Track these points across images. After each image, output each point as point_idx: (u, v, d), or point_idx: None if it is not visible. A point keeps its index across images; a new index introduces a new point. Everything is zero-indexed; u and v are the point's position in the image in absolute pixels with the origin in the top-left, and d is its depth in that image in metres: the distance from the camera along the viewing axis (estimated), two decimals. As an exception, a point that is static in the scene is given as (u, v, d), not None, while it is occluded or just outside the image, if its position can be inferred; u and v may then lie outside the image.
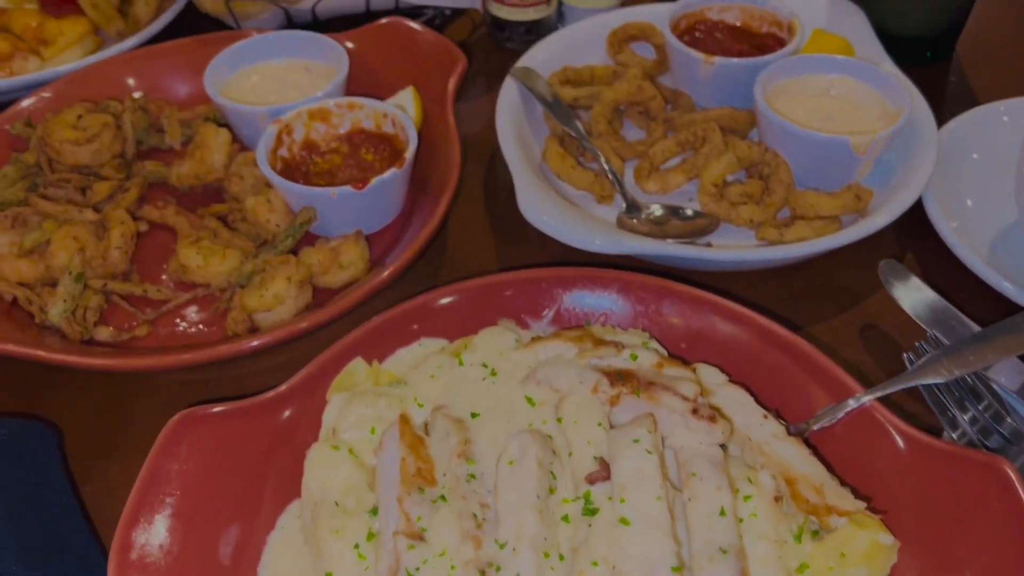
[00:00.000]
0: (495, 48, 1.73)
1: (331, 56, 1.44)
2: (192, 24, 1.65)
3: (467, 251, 1.32)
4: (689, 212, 1.30)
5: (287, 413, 0.95)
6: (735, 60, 1.42)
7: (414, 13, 1.69)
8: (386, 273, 1.14)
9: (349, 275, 1.19)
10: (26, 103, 1.41)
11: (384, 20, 1.51)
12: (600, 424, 0.91)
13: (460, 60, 1.42)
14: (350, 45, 1.49)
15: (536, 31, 1.69)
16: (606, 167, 1.33)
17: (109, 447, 1.06)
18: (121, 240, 1.19)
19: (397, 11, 1.71)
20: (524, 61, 1.50)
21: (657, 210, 1.30)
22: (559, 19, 1.73)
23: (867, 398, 0.93)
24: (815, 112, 1.38)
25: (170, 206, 1.28)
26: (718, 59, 1.42)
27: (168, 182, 1.33)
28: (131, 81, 1.48)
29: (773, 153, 1.32)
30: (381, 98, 1.39)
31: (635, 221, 1.28)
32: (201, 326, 1.18)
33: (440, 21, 1.74)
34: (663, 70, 1.56)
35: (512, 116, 1.40)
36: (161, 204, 1.28)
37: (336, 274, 1.19)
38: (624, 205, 1.31)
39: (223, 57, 1.41)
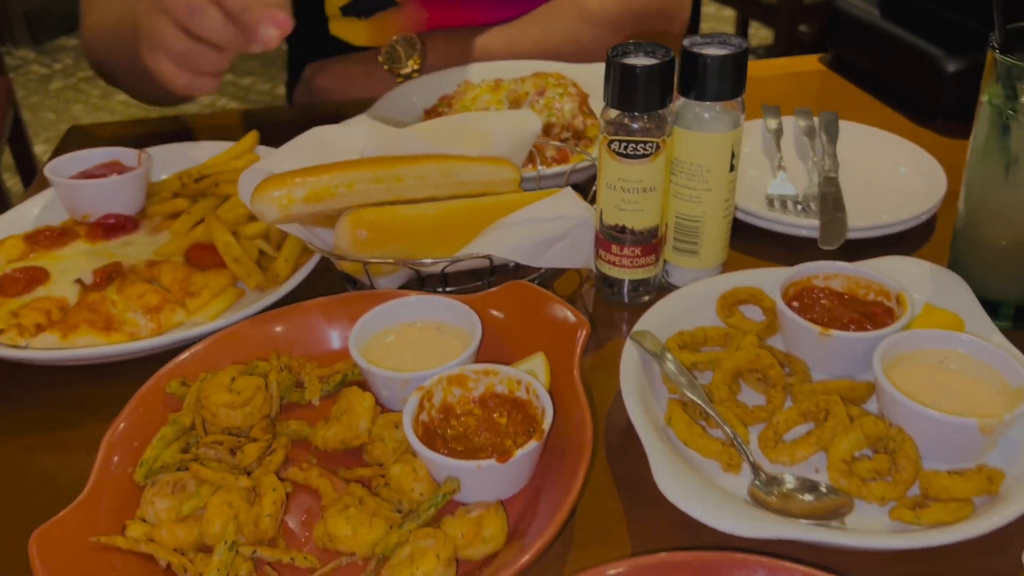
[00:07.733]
0: (602, 302, 1.82)
1: (463, 319, 1.53)
2: (326, 282, 1.77)
3: (596, 514, 1.34)
4: (823, 488, 1.31)
5: None
6: (851, 334, 1.48)
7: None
8: (528, 556, 1.16)
9: (490, 548, 1.21)
10: (181, 358, 1.49)
11: (510, 283, 1.60)
12: None
13: (584, 327, 1.50)
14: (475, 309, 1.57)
15: (644, 286, 1.78)
16: (732, 436, 1.37)
17: None
18: (273, 507, 1.23)
19: (516, 269, 1.81)
20: (641, 325, 1.57)
21: (790, 482, 1.32)
22: (664, 274, 1.83)
23: None
24: (932, 385, 1.42)
25: (314, 468, 1.33)
26: (835, 333, 1.48)
27: (309, 441, 1.39)
28: (278, 329, 1.57)
29: (898, 429, 1.35)
30: (505, 360, 1.46)
31: (772, 497, 1.30)
32: (344, 596, 1.19)
33: (550, 273, 1.84)
34: (772, 332, 1.63)
35: (636, 382, 1.46)
36: (305, 466, 1.33)
37: (478, 547, 1.21)
38: (752, 474, 1.33)
39: (366, 320, 1.51)
